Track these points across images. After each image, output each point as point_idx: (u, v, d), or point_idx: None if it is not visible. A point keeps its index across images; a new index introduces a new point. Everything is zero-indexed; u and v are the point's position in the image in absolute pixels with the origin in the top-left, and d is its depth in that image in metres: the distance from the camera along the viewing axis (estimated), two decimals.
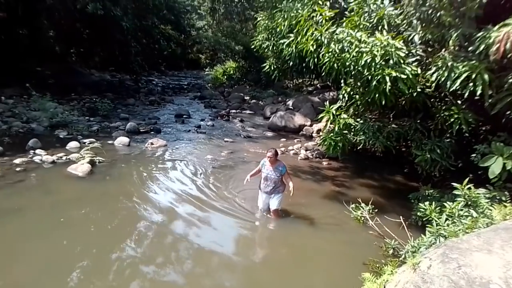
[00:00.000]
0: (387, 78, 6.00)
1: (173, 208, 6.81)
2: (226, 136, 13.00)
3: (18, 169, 7.98)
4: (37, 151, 9.20)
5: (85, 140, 10.59)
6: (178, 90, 26.42)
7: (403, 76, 5.99)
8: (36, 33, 19.82)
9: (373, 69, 6.21)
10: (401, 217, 6.02)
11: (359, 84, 7.29)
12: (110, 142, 10.96)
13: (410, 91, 6.39)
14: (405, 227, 5.87)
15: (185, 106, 19.41)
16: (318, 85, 19.96)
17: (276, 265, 5.44)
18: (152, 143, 10.96)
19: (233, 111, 18.68)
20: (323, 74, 7.55)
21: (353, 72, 6.77)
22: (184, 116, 16.32)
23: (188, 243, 5.68)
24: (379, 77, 6.12)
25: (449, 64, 5.74)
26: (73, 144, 10.02)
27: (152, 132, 12.89)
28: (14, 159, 8.42)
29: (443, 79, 5.81)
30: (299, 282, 4.89)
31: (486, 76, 5.41)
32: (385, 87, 6.06)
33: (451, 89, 5.78)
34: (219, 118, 16.72)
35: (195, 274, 4.99)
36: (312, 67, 7.74)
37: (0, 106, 13.72)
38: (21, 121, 12.05)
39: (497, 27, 5.31)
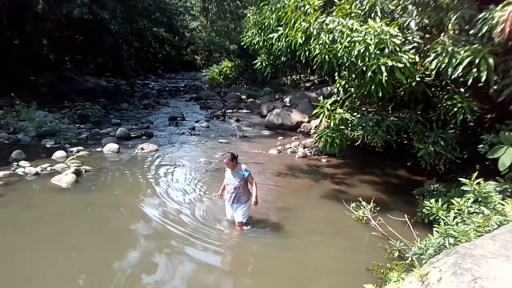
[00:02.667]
0: (383, 68, 5.54)
1: (160, 219, 6.29)
2: (221, 137, 12.56)
3: None
4: (21, 162, 8.76)
5: (72, 149, 10.16)
6: (174, 92, 26.04)
7: (400, 65, 5.53)
8: (27, 42, 19.43)
9: (367, 59, 5.76)
10: (405, 215, 5.62)
11: (353, 76, 6.85)
12: (99, 149, 10.51)
13: (408, 81, 5.95)
14: (411, 226, 5.46)
15: (180, 108, 19.02)
16: (315, 80, 19.55)
17: (272, 275, 4.97)
18: (142, 149, 10.52)
19: (229, 111, 18.28)
20: (315, 67, 7.10)
21: (346, 64, 6.35)
22: (178, 118, 15.90)
23: (177, 259, 5.19)
24: (374, 67, 5.66)
25: (450, 49, 5.29)
26: (59, 154, 9.59)
27: (144, 137, 12.45)
28: None
29: (443, 66, 5.35)
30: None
31: (490, 61, 4.96)
32: (381, 77, 5.60)
33: (452, 77, 5.32)
34: (214, 118, 16.30)
35: None
36: (303, 61, 7.28)
37: None
38: (7, 132, 11.61)
39: (500, 6, 4.86)
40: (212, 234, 5.78)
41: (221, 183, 6.00)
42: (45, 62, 22.13)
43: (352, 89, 7.10)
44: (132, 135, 12.44)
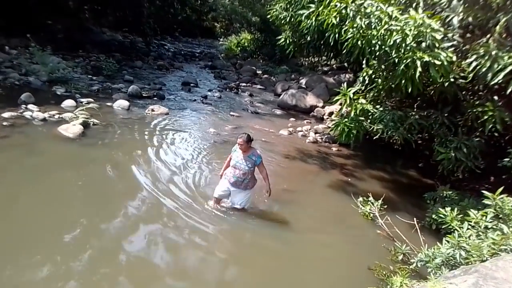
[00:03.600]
0: (418, 63, 5.23)
1: (154, 188, 5.98)
2: (233, 110, 12.31)
3: (5, 123, 7.39)
4: (29, 106, 8.60)
5: (82, 100, 9.97)
6: (190, 57, 25.59)
7: (437, 62, 5.21)
8: None
9: (402, 50, 5.44)
10: (414, 218, 5.42)
11: (383, 66, 6.51)
12: (109, 104, 10.32)
13: (441, 80, 5.64)
14: (418, 230, 5.27)
15: (194, 74, 18.69)
16: (334, 65, 19.01)
17: (264, 267, 4.72)
18: (153, 110, 10.32)
19: (243, 84, 17.91)
20: (343, 52, 6.76)
21: (378, 53, 6.01)
22: (192, 84, 15.61)
23: (161, 235, 4.85)
24: (408, 60, 5.34)
25: (493, 53, 4.97)
26: (69, 103, 9.40)
27: (155, 98, 12.23)
28: (3, 113, 7.82)
29: (483, 70, 5.04)
30: None
31: None
32: (414, 72, 5.30)
33: (492, 82, 5.02)
34: (227, 90, 15.99)
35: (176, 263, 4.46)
36: (331, 44, 6.95)
37: (2, 56, 13.11)
38: (18, 73, 11.41)
39: None
40: (203, 213, 5.44)
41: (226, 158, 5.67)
42: (64, 8, 21.68)
43: (379, 80, 6.77)
44: (144, 95, 12.22)
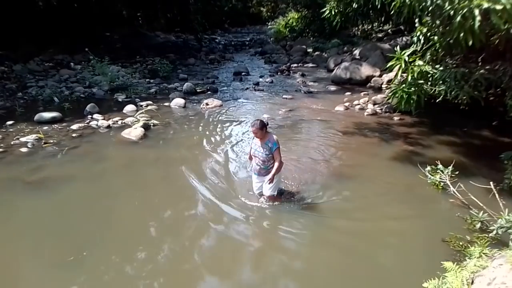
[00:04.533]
0: (476, 11, 4.66)
1: (216, 181, 6.04)
2: (285, 93, 12.16)
3: (74, 135, 8.04)
4: (95, 115, 9.26)
5: (142, 103, 10.50)
6: (240, 46, 25.78)
7: (498, 7, 4.60)
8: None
9: (456, 1, 4.89)
10: (491, 182, 4.90)
11: (438, 22, 5.92)
12: (166, 104, 10.76)
13: (506, 27, 4.99)
14: (496, 194, 4.76)
15: (245, 63, 18.79)
16: (389, 30, 17.93)
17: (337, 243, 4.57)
18: (207, 104, 10.55)
19: (294, 65, 17.63)
20: (392, 13, 6.29)
21: (430, 8, 5.47)
22: (243, 73, 15.70)
23: (212, 227, 4.84)
24: (465, 10, 4.78)
25: None
26: (129, 108, 9.95)
27: (209, 92, 12.51)
28: (72, 125, 8.53)
29: None
30: (361, 267, 4.08)
31: None
32: (472, 23, 4.74)
33: None
34: (279, 73, 15.84)
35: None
36: (379, 7, 6.50)
37: (67, 72, 14.30)
38: (83, 86, 12.33)
39: None
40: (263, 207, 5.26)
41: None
42: (119, 18, 22.92)
43: (436, 38, 6.19)
44: (198, 90, 12.53)
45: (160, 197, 5.64)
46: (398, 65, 6.29)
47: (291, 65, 17.43)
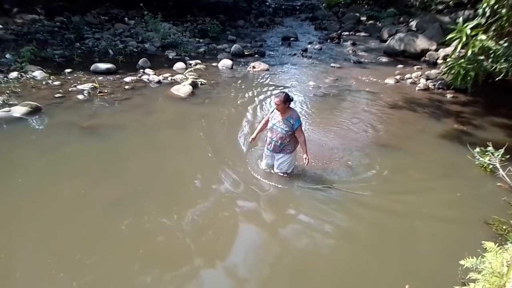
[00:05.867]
0: None
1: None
2: (334, 61, 11.93)
3: (126, 87, 8.41)
4: (146, 70, 9.59)
5: (191, 61, 10.73)
6: (290, 11, 25.21)
7: None
8: None
9: None
10: None
11: None
12: (214, 64, 10.91)
13: None
14: None
15: (294, 28, 18.40)
16: (450, 2, 16.73)
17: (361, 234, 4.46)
18: (254, 67, 10.58)
19: (346, 33, 17.08)
20: None
21: None
22: (291, 38, 15.43)
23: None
24: None
25: None
26: (179, 65, 10.20)
27: (256, 55, 12.49)
28: (125, 77, 8.93)
29: None
30: (397, 244, 4.05)
31: None
32: None
33: None
34: (328, 41, 15.46)
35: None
36: None
37: (122, 26, 14.72)
38: (136, 41, 12.72)
39: None
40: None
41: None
42: None
43: (504, 11, 5.77)
44: (246, 53, 12.55)
45: (200, 154, 5.79)
46: (458, 39, 5.97)
47: (342, 33, 16.90)
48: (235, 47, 12.60)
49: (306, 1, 30.85)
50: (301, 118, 4.96)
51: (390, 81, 9.82)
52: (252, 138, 5.08)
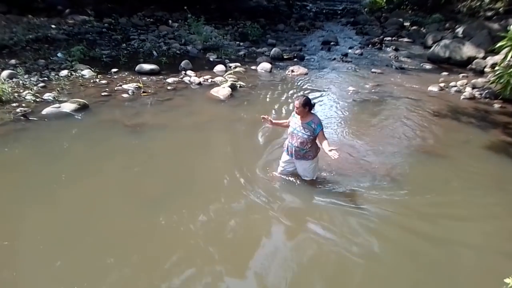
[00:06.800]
0: None
1: None
2: (375, 67, 11.73)
3: (169, 87, 8.71)
4: (188, 72, 9.89)
5: (230, 64, 10.93)
6: (331, 15, 24.97)
7: None
8: None
9: None
10: None
11: None
12: (253, 67, 11.05)
13: None
14: None
15: (335, 32, 18.26)
16: (500, 9, 16.00)
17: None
18: (292, 71, 10.62)
19: (388, 38, 16.73)
20: None
21: None
22: (332, 43, 15.31)
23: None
24: None
25: None
26: (219, 67, 10.42)
27: (295, 59, 12.49)
28: (167, 78, 9.24)
29: None
30: (436, 265, 3.92)
31: None
32: None
33: None
34: (370, 46, 15.19)
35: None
36: None
37: (166, 29, 15.25)
38: (179, 43, 13.14)
39: None
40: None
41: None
42: None
43: None
44: (285, 57, 12.59)
45: (235, 156, 5.82)
46: (509, 47, 5.73)
47: (384, 38, 16.56)
48: (274, 50, 12.67)
49: (347, 5, 30.49)
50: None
51: (433, 88, 9.52)
52: (270, 120, 4.78)
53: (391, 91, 9.41)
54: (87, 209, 4.33)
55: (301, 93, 8.94)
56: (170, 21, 16.92)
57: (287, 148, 4.73)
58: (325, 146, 4.33)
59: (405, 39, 16.64)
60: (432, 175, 5.48)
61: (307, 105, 4.40)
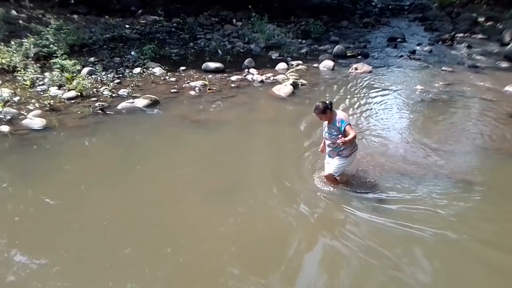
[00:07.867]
0: None
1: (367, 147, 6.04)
2: (445, 65, 11.15)
3: (232, 85, 9.00)
4: (251, 70, 10.10)
5: (292, 62, 10.97)
6: (398, 11, 24.07)
7: None
8: None
9: None
10: None
11: None
12: (315, 65, 11.01)
13: None
14: None
15: (402, 28, 17.60)
16: None
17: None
18: (356, 68, 10.41)
19: (460, 35, 15.75)
20: None
21: None
22: (398, 40, 14.77)
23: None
24: None
25: None
26: (281, 65, 10.54)
27: (359, 57, 12.22)
28: (231, 76, 9.54)
29: None
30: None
31: None
32: None
33: None
34: (440, 42, 14.44)
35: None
36: None
37: (230, 28, 15.64)
38: (243, 42, 13.42)
39: None
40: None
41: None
42: None
43: None
44: (348, 54, 12.37)
45: (292, 155, 5.81)
46: None
47: (456, 35, 15.62)
48: (337, 48, 12.49)
49: (415, 0, 29.07)
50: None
51: (510, 89, 8.85)
52: (321, 149, 5.02)
53: (463, 90, 8.92)
54: (157, 198, 4.67)
55: (366, 91, 8.79)
56: (234, 20, 17.31)
57: (327, 151, 4.82)
58: (349, 137, 4.34)
59: (479, 36, 15.59)
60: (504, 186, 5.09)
61: (325, 110, 4.38)
